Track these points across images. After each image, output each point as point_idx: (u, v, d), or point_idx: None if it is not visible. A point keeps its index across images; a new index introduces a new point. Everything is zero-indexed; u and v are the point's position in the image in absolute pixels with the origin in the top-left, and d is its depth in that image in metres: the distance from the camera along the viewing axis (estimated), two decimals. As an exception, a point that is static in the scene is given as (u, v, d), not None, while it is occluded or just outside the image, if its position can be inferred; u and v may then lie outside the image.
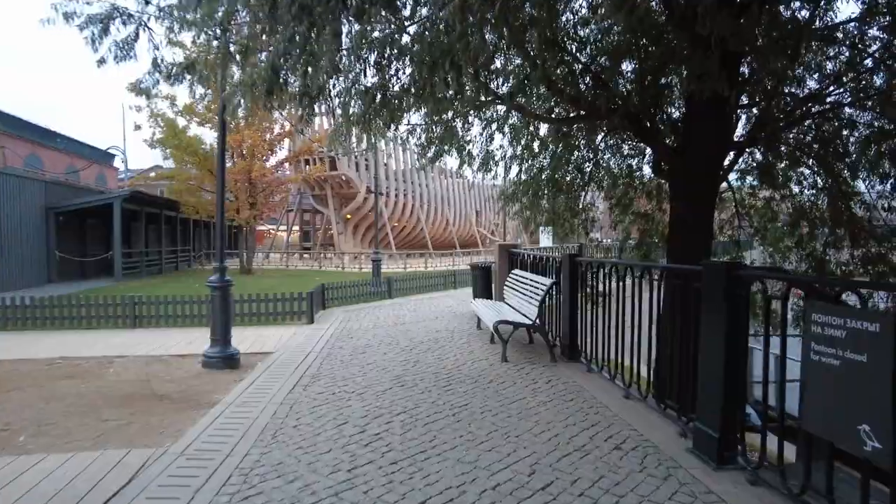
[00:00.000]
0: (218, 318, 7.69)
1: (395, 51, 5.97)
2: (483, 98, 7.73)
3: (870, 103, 6.96)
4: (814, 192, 8.33)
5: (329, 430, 4.82)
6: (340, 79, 6.72)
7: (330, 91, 6.69)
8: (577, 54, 6.88)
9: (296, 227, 55.31)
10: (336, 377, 6.72)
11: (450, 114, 8.26)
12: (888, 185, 7.44)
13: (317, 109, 7.43)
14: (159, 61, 6.11)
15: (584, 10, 6.91)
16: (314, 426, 4.92)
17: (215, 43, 5.99)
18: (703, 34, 4.65)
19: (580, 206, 10.01)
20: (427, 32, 5.25)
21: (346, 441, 4.52)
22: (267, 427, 4.94)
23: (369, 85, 6.66)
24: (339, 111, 7.58)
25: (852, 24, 6.51)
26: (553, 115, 8.05)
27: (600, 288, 6.46)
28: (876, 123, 7.40)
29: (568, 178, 9.53)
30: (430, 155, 8.64)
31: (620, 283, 5.81)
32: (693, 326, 4.52)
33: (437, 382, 6.36)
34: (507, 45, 5.75)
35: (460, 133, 8.76)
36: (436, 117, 8.12)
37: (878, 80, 7.08)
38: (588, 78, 6.92)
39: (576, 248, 16.54)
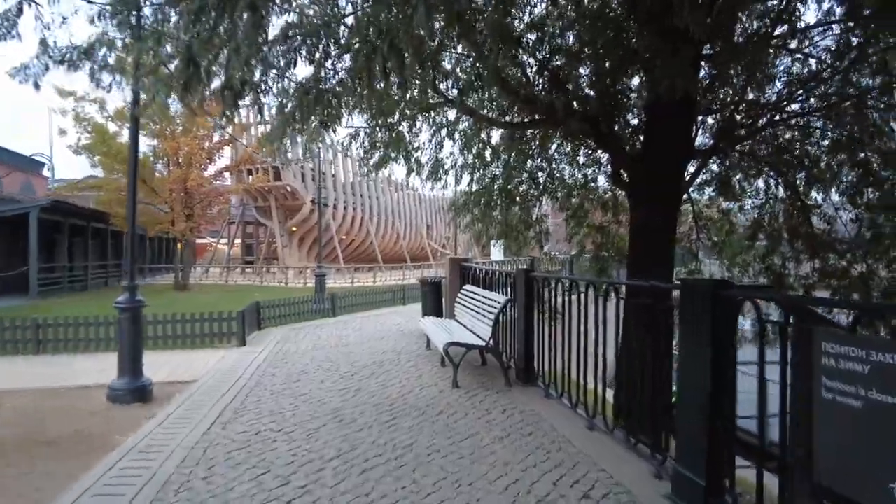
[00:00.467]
0: (126, 345, 6.69)
1: (332, 39, 5.29)
2: (431, 99, 7.12)
3: (832, 113, 6.76)
4: (772, 203, 8.10)
5: (245, 482, 4.00)
6: (272, 73, 6.01)
7: (259, 86, 5.94)
8: (534, 51, 6.36)
9: (238, 240, 53.22)
10: (262, 411, 5.86)
11: (396, 116, 7.61)
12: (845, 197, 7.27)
13: (244, 106, 6.66)
14: (50, 43, 5.17)
15: (541, 3, 6.41)
16: (228, 478, 4.09)
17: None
18: (680, 27, 4.18)
19: (534, 218, 9.52)
20: (361, 12, 4.58)
21: (264, 498, 3.72)
22: (170, 481, 4.07)
23: (302, 79, 5.96)
24: (269, 108, 6.84)
25: (816, 29, 6.28)
26: (507, 120, 7.50)
27: (558, 305, 5.93)
28: (832, 134, 7.23)
29: (522, 189, 9.02)
30: (374, 161, 7.94)
31: (580, 300, 5.27)
32: (664, 351, 4.02)
33: (380, 416, 5.60)
34: (456, 37, 5.16)
35: (407, 138, 8.11)
36: (380, 120, 7.44)
37: (832, 89, 6.91)
38: (544, 78, 6.41)
39: (528, 262, 16.11)
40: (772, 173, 7.55)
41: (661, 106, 6.36)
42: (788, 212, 7.79)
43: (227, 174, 30.70)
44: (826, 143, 7.15)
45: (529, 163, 8.84)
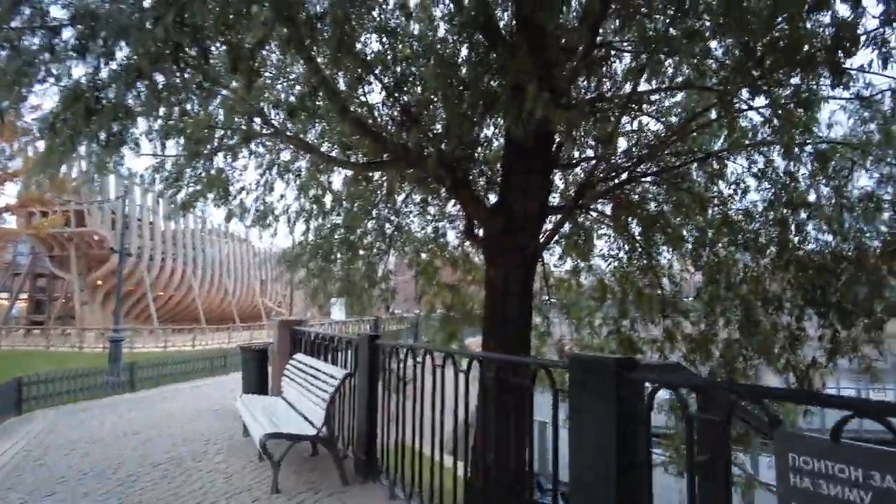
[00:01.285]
0: None
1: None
2: (257, 127, 5.85)
3: (673, 175, 6.78)
4: (622, 264, 7.99)
5: None
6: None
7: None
8: (383, 75, 5.48)
9: (25, 295, 44.59)
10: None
11: (213, 144, 6.18)
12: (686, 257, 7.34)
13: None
14: None
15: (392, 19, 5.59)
16: None
17: None
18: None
19: (380, 275, 8.47)
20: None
21: None
22: None
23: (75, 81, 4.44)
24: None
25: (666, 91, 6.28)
26: (351, 160, 6.47)
27: (409, 377, 4.86)
28: (675, 196, 7.31)
29: (366, 241, 7.95)
30: (181, 198, 6.35)
31: (435, 374, 4.27)
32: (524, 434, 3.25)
33: (156, 555, 3.92)
34: (286, 42, 4.06)
35: (227, 174, 6.67)
36: (189, 147, 5.96)
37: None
38: (396, 111, 5.54)
39: (371, 323, 14.89)
40: (624, 234, 7.43)
41: (518, 156, 5.84)
42: (639, 273, 7.72)
43: (5, 215, 25.36)
44: (669, 205, 7.21)
45: (375, 212, 7.85)
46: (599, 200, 6.62)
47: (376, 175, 7.33)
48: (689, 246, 7.18)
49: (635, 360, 2.71)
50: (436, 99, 5.34)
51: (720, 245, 7.09)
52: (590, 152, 6.74)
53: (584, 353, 3.02)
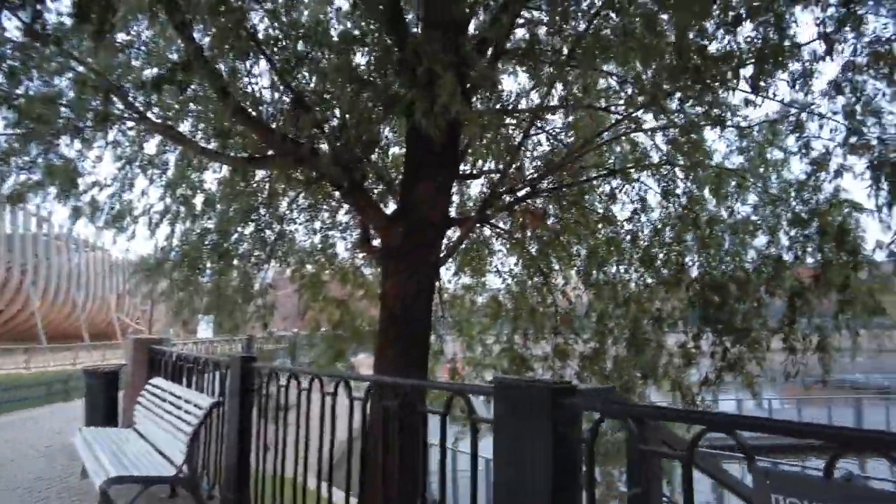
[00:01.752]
0: None
1: None
2: (116, 111, 4.93)
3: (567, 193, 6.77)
4: (517, 280, 7.85)
5: None
6: None
7: None
8: (272, 57, 4.79)
9: None
10: None
11: (58, 125, 5.10)
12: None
13: None
14: None
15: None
16: None
17: None
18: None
19: (257, 288, 7.60)
20: None
21: None
22: None
23: None
24: None
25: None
26: (229, 153, 5.66)
27: (289, 404, 4.21)
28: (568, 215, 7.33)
29: (242, 249, 7.09)
30: (7, 189, 5.17)
31: (325, 399, 3.70)
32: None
33: None
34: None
35: (75, 163, 5.59)
36: (23, 126, 4.86)
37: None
38: (286, 97, 4.90)
39: (244, 342, 13.58)
40: (522, 250, 7.28)
41: (420, 162, 5.45)
42: (533, 290, 7.63)
43: None
44: (563, 223, 7.21)
45: (255, 216, 7.03)
46: (498, 215, 6.40)
47: (259, 174, 6.56)
48: (580, 264, 7.21)
49: (573, 386, 2.37)
50: (333, 90, 4.79)
51: (611, 263, 7.18)
52: (491, 164, 6.55)
53: (509, 377, 2.63)
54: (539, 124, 5.96)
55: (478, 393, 2.73)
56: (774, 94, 5.54)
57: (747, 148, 6.35)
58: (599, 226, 6.85)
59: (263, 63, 4.78)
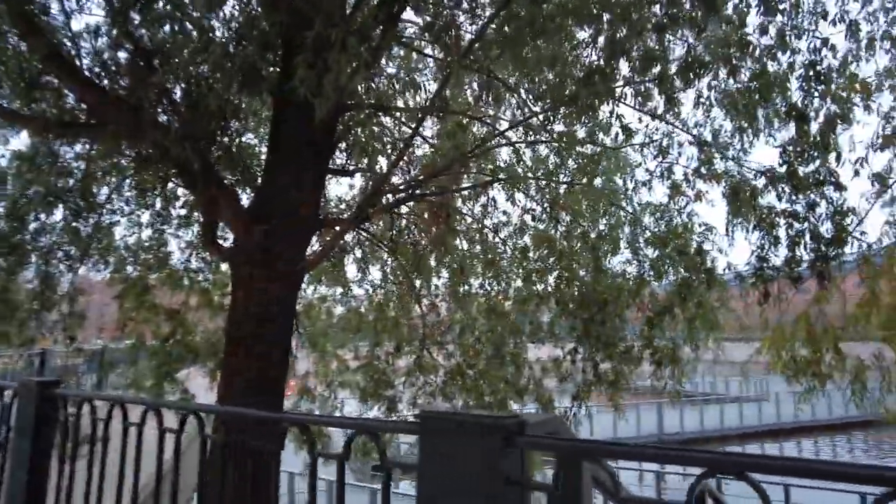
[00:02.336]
0: None
1: None
2: None
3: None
4: (383, 290, 7.31)
5: None
6: None
7: None
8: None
9: None
10: None
11: None
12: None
13: None
14: None
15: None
16: None
17: None
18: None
19: (59, 293, 6.07)
20: None
21: None
22: None
23: None
24: None
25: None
26: (33, 117, 4.31)
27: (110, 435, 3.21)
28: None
29: (43, 243, 5.60)
30: None
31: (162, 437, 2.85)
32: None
33: None
34: None
35: None
36: None
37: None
38: (125, 48, 3.85)
39: (36, 360, 11.04)
40: (396, 257, 6.76)
41: (289, 151, 4.70)
42: (399, 301, 7.16)
43: None
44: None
45: (64, 202, 5.57)
46: (379, 216, 5.83)
47: (76, 147, 5.20)
48: (448, 274, 6.94)
49: (522, 419, 1.93)
50: (187, 45, 3.85)
51: (479, 275, 7.00)
52: (365, 162, 5.95)
53: (442, 412, 2.11)
54: (423, 125, 5.55)
55: (396, 431, 2.15)
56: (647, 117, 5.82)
57: (614, 167, 6.58)
58: (477, 236, 6.62)
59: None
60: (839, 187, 4.38)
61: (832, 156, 4.32)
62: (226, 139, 4.76)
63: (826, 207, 4.41)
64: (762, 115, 5.03)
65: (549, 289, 5.89)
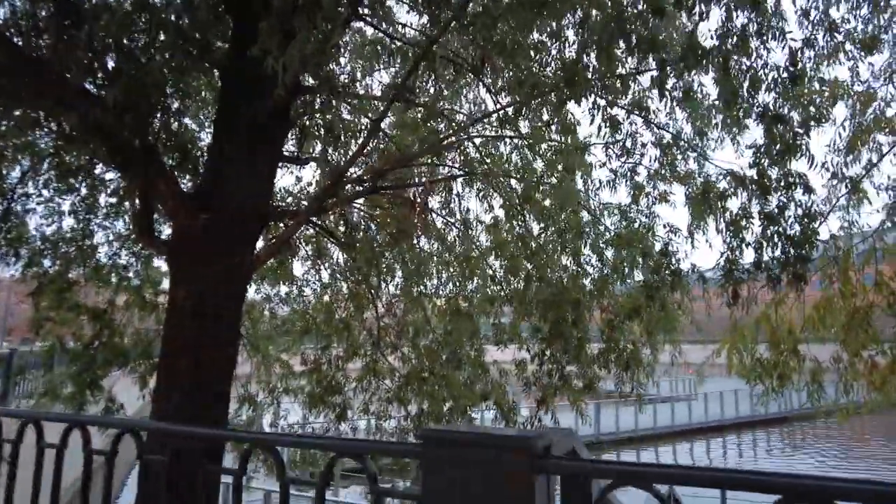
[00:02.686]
0: None
1: None
2: None
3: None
4: (335, 290, 6.86)
5: None
6: None
7: None
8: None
9: None
10: None
11: None
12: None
13: None
14: None
15: None
16: None
17: None
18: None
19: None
20: None
21: None
22: None
23: None
24: None
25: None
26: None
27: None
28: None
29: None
30: None
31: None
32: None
33: None
34: None
35: None
36: None
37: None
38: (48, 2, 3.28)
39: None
40: (353, 255, 6.31)
41: (237, 133, 4.23)
42: (351, 302, 6.73)
43: None
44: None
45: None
46: (339, 208, 5.40)
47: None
48: (403, 273, 6.59)
49: (548, 437, 1.64)
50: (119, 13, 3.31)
51: (439, 275, 6.71)
52: (319, 150, 5.51)
53: (444, 428, 1.77)
54: (389, 114, 5.17)
55: (392, 454, 1.79)
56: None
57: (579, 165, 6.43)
58: (442, 232, 6.30)
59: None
60: (808, 190, 4.38)
61: (803, 158, 4.31)
62: (166, 118, 4.22)
63: (794, 210, 4.40)
64: (728, 117, 5.03)
65: (520, 287, 5.64)
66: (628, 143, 5.94)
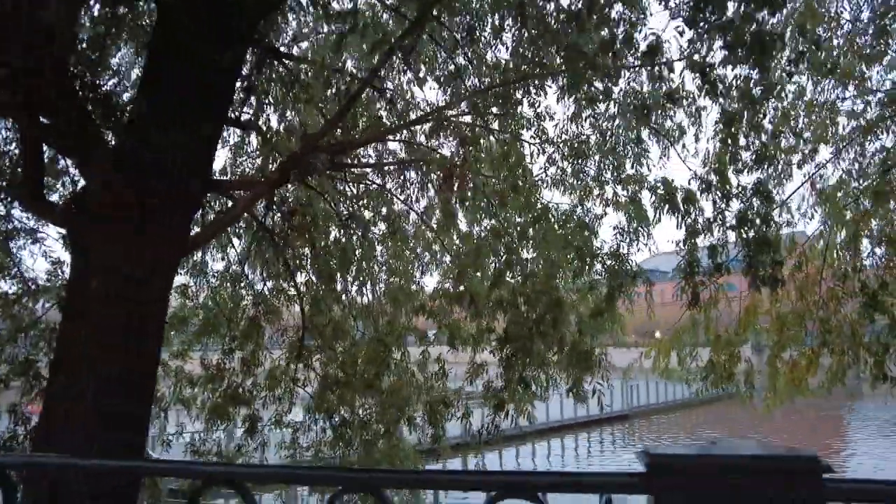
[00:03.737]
0: None
1: None
2: None
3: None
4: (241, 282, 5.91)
5: None
6: None
7: None
8: None
9: None
10: None
11: None
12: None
13: None
14: None
15: None
16: None
17: None
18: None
19: None
20: None
21: None
22: None
23: None
24: None
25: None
26: None
27: None
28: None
29: None
30: None
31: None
32: None
33: None
34: None
35: None
36: None
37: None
38: None
39: None
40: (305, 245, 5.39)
41: (175, 87, 3.34)
42: (277, 295, 5.84)
43: None
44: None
45: None
46: (305, 178, 4.50)
47: None
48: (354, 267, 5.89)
49: (817, 456, 1.28)
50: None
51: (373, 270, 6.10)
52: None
53: (675, 452, 1.30)
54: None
55: (582, 490, 1.26)
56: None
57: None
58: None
59: None
60: (768, 199, 4.58)
61: (767, 166, 4.50)
62: (84, 70, 3.22)
63: (753, 215, 4.57)
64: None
65: (484, 284, 5.26)
66: (577, 145, 5.91)
